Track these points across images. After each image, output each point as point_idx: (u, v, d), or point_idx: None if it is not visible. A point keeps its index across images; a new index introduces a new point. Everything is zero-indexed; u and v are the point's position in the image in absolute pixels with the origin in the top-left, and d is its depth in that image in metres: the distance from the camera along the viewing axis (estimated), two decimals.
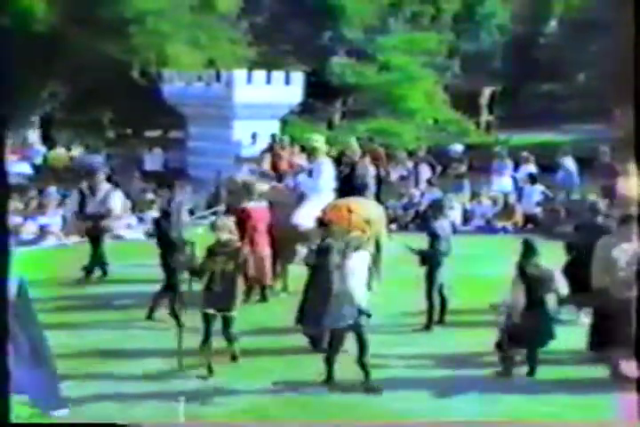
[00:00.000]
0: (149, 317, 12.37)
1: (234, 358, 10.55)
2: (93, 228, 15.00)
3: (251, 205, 13.45)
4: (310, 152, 15.33)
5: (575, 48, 29.85)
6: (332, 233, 11.72)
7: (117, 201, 15.65)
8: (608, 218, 13.18)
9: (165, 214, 13.04)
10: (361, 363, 9.85)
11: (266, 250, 13.36)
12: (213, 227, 10.56)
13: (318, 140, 15.02)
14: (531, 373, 10.27)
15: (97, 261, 14.90)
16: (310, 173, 14.63)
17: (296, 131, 25.00)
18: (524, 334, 10.15)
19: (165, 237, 12.49)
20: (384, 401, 9.57)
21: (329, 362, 10.02)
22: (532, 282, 10.23)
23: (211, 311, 10.18)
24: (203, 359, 10.18)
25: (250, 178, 14.83)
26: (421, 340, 11.59)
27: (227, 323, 10.31)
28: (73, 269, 14.96)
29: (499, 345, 10.32)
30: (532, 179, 20.57)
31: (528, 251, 10.46)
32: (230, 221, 10.88)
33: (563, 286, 10.44)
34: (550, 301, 10.31)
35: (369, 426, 8.59)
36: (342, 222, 13.33)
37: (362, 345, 9.84)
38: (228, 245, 10.32)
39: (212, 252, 10.27)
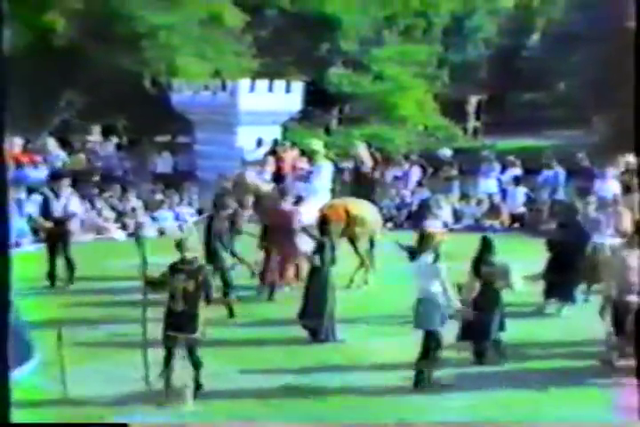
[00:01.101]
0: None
1: (199, 386, 9.26)
2: (55, 232, 14.19)
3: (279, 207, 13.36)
4: (310, 155, 15.32)
5: (556, 60, 29.81)
6: (329, 231, 11.69)
7: (76, 207, 14.86)
8: (586, 217, 13.17)
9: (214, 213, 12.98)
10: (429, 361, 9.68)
11: (276, 252, 13.30)
12: (179, 245, 9.28)
13: (317, 144, 15.03)
14: (480, 361, 10.22)
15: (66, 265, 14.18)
16: (309, 175, 14.60)
17: (296, 136, 24.98)
18: (480, 326, 10.08)
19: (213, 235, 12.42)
20: (380, 390, 9.56)
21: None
22: (487, 276, 10.14)
23: (173, 334, 9.07)
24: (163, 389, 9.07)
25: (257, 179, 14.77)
26: (414, 332, 11.52)
27: (191, 346, 9.17)
28: (88, 266, 14.93)
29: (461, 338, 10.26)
30: (517, 181, 20.60)
31: (486, 247, 10.37)
32: (197, 240, 9.72)
33: (517, 282, 10.33)
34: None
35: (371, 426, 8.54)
36: (339, 221, 13.33)
37: (435, 346, 9.65)
38: (191, 263, 9.22)
39: (174, 269, 9.21)
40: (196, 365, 9.20)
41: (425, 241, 9.78)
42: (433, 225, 12.46)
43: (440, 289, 9.51)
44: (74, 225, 15.57)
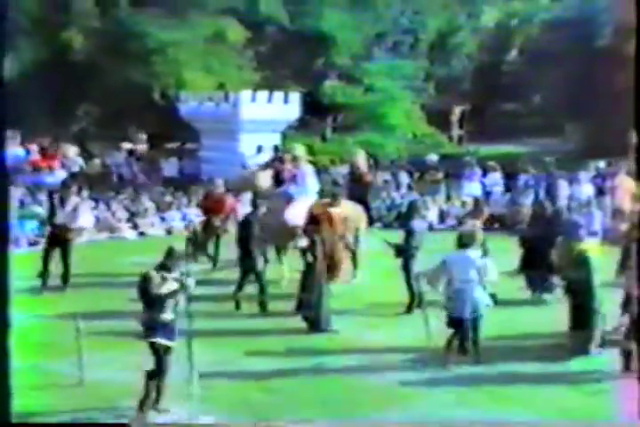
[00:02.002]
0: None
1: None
2: (58, 237, 13.54)
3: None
4: (293, 160, 15.01)
5: (532, 74, 29.94)
6: (319, 230, 11.72)
7: (85, 214, 14.54)
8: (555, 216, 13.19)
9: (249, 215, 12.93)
10: (473, 342, 9.78)
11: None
12: (170, 254, 8.36)
13: (299, 149, 14.88)
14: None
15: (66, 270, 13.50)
16: (296, 179, 14.43)
17: (294, 143, 24.95)
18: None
19: (250, 234, 12.34)
20: (374, 375, 9.59)
21: (448, 346, 9.79)
22: None
23: (159, 341, 8.16)
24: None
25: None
26: (404, 322, 11.56)
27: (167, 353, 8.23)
28: (102, 262, 14.93)
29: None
30: (502, 185, 20.78)
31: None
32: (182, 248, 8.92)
33: (492, 274, 10.32)
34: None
35: (370, 425, 8.51)
36: (324, 219, 13.28)
37: (474, 330, 9.76)
38: (177, 268, 8.27)
39: (161, 277, 8.19)
40: (159, 374, 8.24)
41: (468, 239, 9.93)
42: (419, 225, 12.47)
43: (476, 279, 9.68)
44: (81, 235, 15.09)
